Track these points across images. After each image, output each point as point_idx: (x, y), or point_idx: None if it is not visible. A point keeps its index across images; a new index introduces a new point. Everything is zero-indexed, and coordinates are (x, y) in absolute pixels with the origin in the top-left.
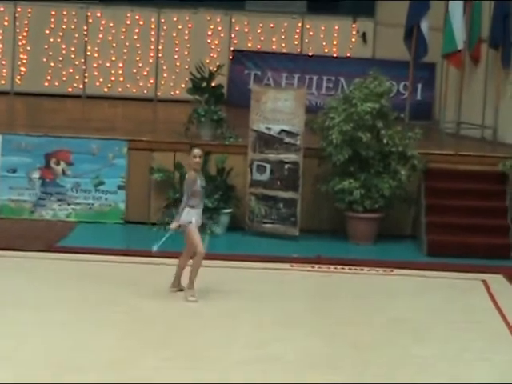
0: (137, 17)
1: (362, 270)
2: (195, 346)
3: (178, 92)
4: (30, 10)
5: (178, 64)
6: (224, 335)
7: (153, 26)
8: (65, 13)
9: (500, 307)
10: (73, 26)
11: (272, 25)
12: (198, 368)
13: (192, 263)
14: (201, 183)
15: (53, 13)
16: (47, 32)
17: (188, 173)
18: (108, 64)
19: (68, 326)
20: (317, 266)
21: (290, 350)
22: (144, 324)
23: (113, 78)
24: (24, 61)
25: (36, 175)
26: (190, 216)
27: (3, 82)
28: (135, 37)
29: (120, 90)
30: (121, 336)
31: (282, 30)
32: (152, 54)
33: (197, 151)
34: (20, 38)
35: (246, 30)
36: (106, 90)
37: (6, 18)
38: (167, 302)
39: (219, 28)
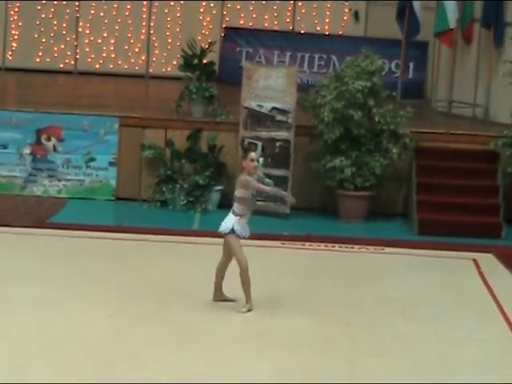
0: None
1: (352, 248)
2: (187, 323)
3: (169, 69)
4: None
5: (169, 41)
6: (215, 312)
7: (145, 3)
8: None
9: (490, 286)
10: (64, 2)
11: (264, 2)
12: (190, 344)
13: (241, 281)
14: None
15: None
16: (39, 8)
17: (242, 175)
18: (100, 40)
19: (59, 301)
20: (307, 243)
21: (282, 328)
22: (135, 300)
23: (104, 55)
24: (15, 36)
25: (27, 151)
26: (232, 223)
27: None
28: (127, 13)
29: (111, 66)
30: (112, 312)
31: (275, 8)
32: (144, 31)
33: (254, 154)
34: (12, 13)
35: (238, 7)
36: (97, 66)
37: None
38: (158, 278)
39: (211, 5)
